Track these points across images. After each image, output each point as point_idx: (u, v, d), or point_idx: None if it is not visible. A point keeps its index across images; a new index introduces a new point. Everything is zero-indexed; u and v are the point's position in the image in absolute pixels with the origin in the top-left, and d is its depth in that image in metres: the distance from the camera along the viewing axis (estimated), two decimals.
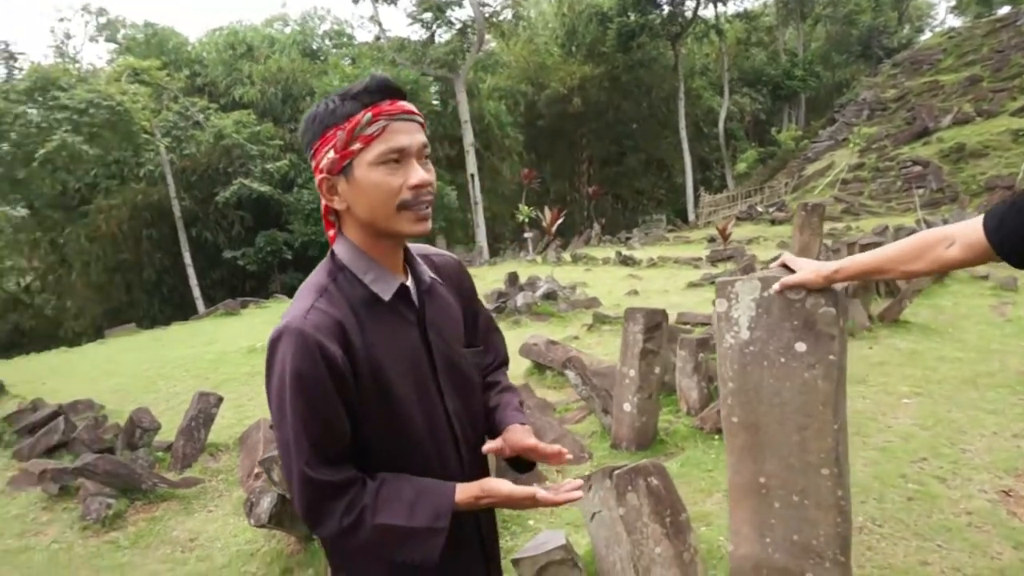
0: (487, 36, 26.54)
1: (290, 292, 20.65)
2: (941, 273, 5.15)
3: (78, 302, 21.97)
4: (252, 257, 21.62)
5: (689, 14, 27.90)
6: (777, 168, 29.88)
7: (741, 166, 30.02)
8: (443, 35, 25.33)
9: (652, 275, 13.50)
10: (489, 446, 1.38)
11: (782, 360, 1.95)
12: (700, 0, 27.65)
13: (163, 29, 25.82)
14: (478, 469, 1.40)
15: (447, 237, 28.19)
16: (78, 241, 20.35)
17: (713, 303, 2.14)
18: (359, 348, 1.21)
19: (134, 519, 4.35)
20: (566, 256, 17.56)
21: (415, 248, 1.41)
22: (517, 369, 7.16)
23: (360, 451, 1.24)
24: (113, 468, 4.39)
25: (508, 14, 25.78)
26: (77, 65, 24.11)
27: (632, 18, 26.45)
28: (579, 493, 1.29)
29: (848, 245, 9.22)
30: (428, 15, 24.40)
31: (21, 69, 19.65)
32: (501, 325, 9.46)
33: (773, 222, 21.62)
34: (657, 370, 4.05)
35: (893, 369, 5.40)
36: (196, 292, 20.88)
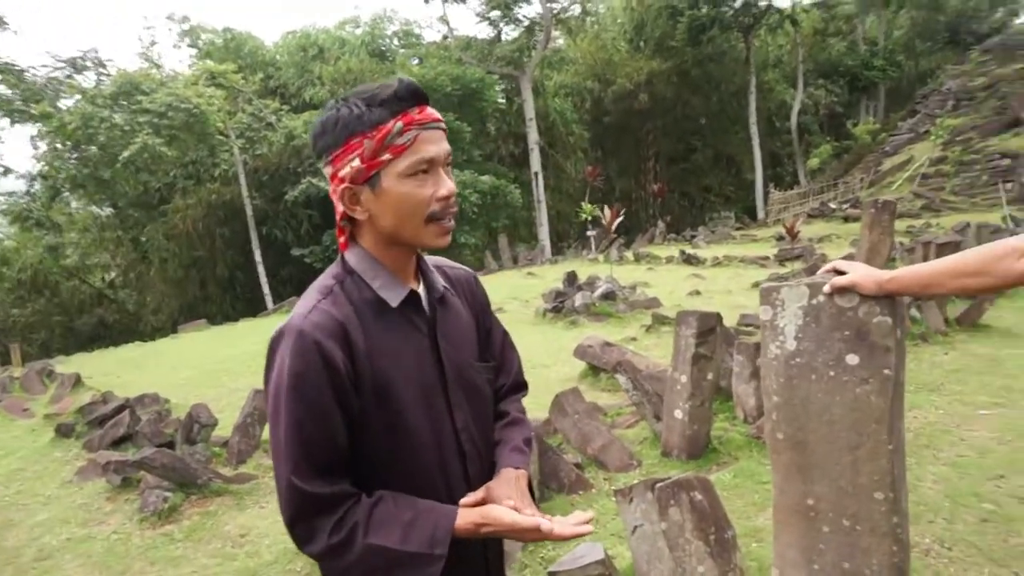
0: (554, 33, 26.41)
1: None
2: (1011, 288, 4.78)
3: (157, 297, 22.98)
4: (319, 255, 22.12)
5: (763, 4, 27.03)
6: (852, 163, 28.67)
7: (814, 161, 28.92)
8: (510, 33, 25.35)
9: (716, 274, 13.13)
10: (468, 499, 1.25)
11: (831, 374, 1.79)
12: None
13: (240, 34, 26.71)
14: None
15: (510, 236, 28.24)
16: (157, 239, 21.27)
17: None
18: (362, 351, 1.16)
19: (189, 513, 4.46)
20: (628, 255, 17.30)
21: (429, 259, 1.37)
22: (572, 371, 7.07)
23: (358, 462, 1.17)
24: (170, 462, 4.51)
25: (576, 10, 25.56)
26: (161, 70, 25.19)
27: (704, 11, 25.82)
28: (588, 527, 1.19)
29: (923, 244, 8.71)
30: (496, 13, 24.44)
31: (109, 75, 20.66)
32: (558, 326, 9.43)
33: (846, 219, 20.75)
34: (710, 376, 3.88)
35: (970, 377, 5.05)
36: (265, 289, 21.51)
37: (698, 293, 11.02)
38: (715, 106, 30.21)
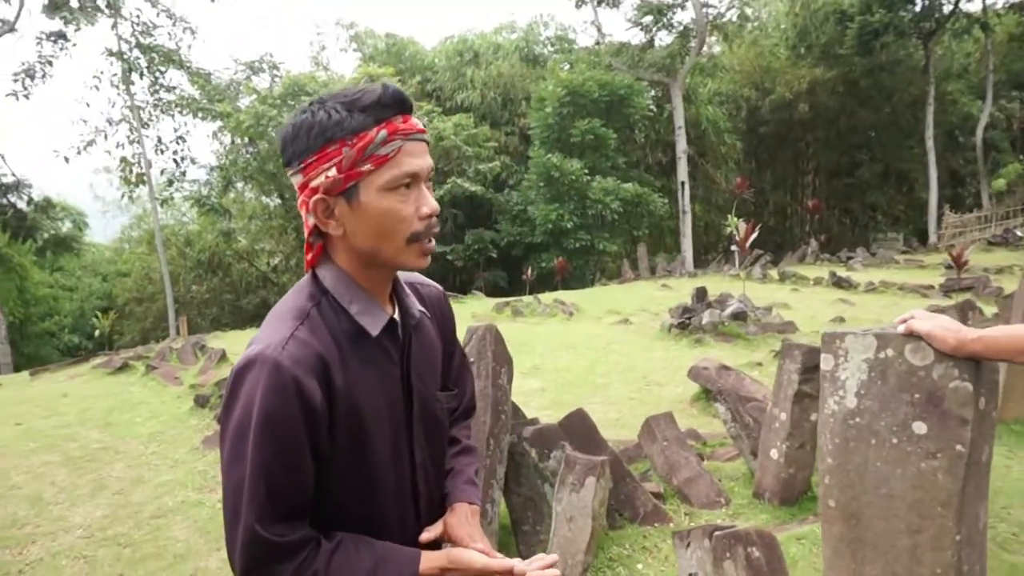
0: (709, 39, 25.55)
1: (492, 290, 21.47)
2: None
3: None
4: (460, 253, 22.77)
5: (947, 8, 24.62)
6: None
7: (1000, 182, 25.88)
8: (663, 39, 24.83)
9: (868, 302, 12.10)
10: (427, 535, 1.20)
11: (894, 441, 1.55)
12: None
13: (402, 39, 28.08)
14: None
15: (654, 245, 27.63)
16: None
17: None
18: (339, 388, 1.06)
19: None
20: (773, 273, 16.36)
21: (403, 275, 1.25)
22: (685, 392, 6.79)
23: (319, 501, 1.10)
24: None
25: (733, 15, 24.58)
26: (328, 73, 27.02)
27: (877, 16, 23.88)
28: (555, 571, 1.11)
29: None
30: (648, 18, 24.03)
31: (281, 77, 22.47)
32: (682, 343, 9.09)
33: None
34: (814, 417, 3.54)
35: None
36: (414, 275, 22.46)
37: (842, 320, 10.20)
38: (886, 118, 27.88)
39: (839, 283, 13.97)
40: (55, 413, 7.62)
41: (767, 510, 3.57)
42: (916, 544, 1.52)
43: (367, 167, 1.04)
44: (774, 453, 3.59)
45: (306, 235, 1.13)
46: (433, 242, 1.13)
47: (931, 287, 13.23)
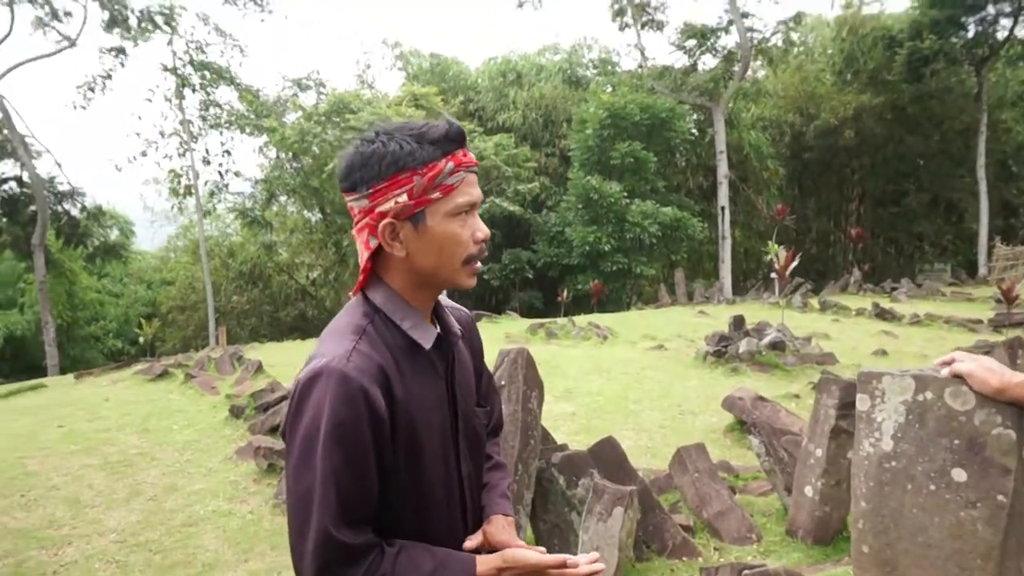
0: (754, 63, 25.37)
1: (527, 311, 21.45)
2: None
3: (347, 298, 24.89)
4: (497, 273, 22.81)
5: (1002, 35, 24.06)
6: None
7: None
8: (706, 63, 24.73)
9: (912, 335, 11.77)
10: (470, 543, 1.26)
11: (932, 487, 1.49)
12: (1018, 18, 23.69)
13: (446, 59, 28.46)
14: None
15: (693, 270, 27.33)
16: (353, 245, 23.08)
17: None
18: (399, 398, 1.14)
19: None
20: (813, 302, 16.03)
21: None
22: (719, 422, 6.68)
23: (383, 508, 1.16)
24: None
25: (778, 40, 24.37)
26: (373, 91, 27.51)
27: (927, 42, 23.44)
28: (601, 566, 1.20)
29: None
30: (692, 42, 23.98)
31: (327, 95, 22.97)
32: (717, 372, 8.96)
33: None
34: (851, 454, 3.43)
35: None
36: (445, 300, 22.59)
37: (884, 353, 9.94)
38: (935, 146, 27.25)
39: (882, 314, 13.62)
40: (96, 417, 7.81)
41: (800, 548, 3.47)
42: None
43: (436, 195, 1.15)
44: (808, 490, 3.50)
45: (364, 256, 1.21)
46: (479, 264, 1.23)
47: (979, 321, 12.81)
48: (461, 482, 1.27)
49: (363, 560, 1.10)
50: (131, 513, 4.94)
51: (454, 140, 1.16)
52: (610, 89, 26.57)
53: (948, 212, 29.39)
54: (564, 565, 1.16)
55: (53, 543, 4.46)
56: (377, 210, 1.16)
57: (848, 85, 26.80)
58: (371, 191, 1.16)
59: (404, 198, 1.14)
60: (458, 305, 1.43)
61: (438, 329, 1.26)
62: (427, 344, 1.20)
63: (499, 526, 1.30)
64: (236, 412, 7.14)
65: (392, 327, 1.19)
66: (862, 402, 1.63)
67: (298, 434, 1.12)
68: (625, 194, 20.82)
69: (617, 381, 8.55)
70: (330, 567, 1.09)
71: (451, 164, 1.14)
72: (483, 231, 1.20)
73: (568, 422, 6.80)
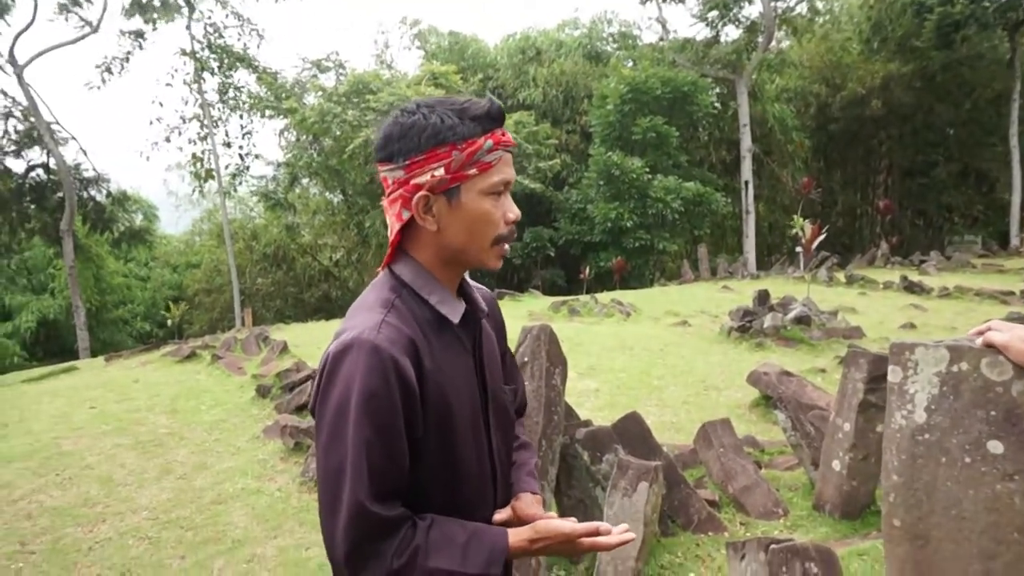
0: (778, 34, 24.84)
1: (549, 289, 21.41)
2: None
3: (370, 278, 25.09)
4: (518, 251, 22.76)
5: None
6: None
7: None
8: (729, 34, 24.26)
9: (941, 307, 11.57)
10: (499, 516, 1.27)
11: (967, 460, 1.46)
12: None
13: (465, 37, 28.24)
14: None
15: (716, 245, 27.05)
16: (376, 225, 23.13)
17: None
18: (429, 371, 1.14)
19: None
20: (840, 276, 15.82)
21: None
22: (744, 398, 6.63)
23: (411, 484, 1.16)
24: None
25: (803, 9, 23.81)
26: (392, 71, 27.40)
27: (958, 7, 22.75)
28: (632, 535, 1.19)
29: None
30: (714, 13, 23.51)
31: (346, 76, 22.94)
32: (741, 347, 8.89)
33: None
34: (880, 428, 3.39)
35: None
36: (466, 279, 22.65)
37: (913, 327, 9.79)
38: (965, 115, 26.57)
39: (911, 287, 13.40)
40: (127, 398, 7.96)
41: (827, 523, 3.44)
42: (989, 571, 1.43)
43: (472, 171, 1.14)
44: (836, 464, 3.46)
45: (395, 227, 1.20)
46: (507, 246, 1.23)
47: (1011, 293, 12.56)
48: (492, 456, 1.27)
49: (396, 533, 1.09)
50: (162, 491, 5.03)
51: (495, 119, 1.16)
52: (631, 64, 26.23)
53: (979, 182, 28.72)
54: (597, 532, 1.15)
55: (88, 520, 4.56)
56: (413, 182, 1.15)
57: (875, 54, 26.15)
58: (408, 162, 1.15)
59: (441, 172, 1.13)
60: (479, 284, 1.43)
61: (464, 305, 1.26)
62: (455, 319, 1.20)
63: (527, 502, 1.31)
64: (262, 392, 7.23)
65: (420, 301, 1.19)
66: (894, 374, 1.59)
67: (328, 407, 1.11)
68: (647, 169, 20.61)
69: (640, 357, 8.51)
70: (363, 542, 1.08)
71: (490, 142, 1.14)
72: (515, 212, 1.20)
73: (592, 398, 6.79)
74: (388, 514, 1.09)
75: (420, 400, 1.12)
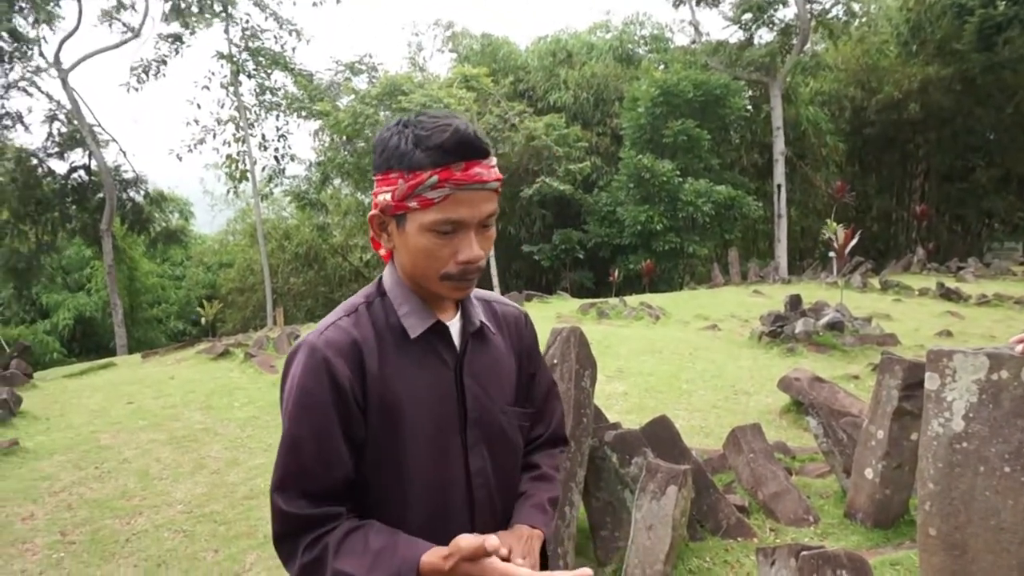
0: (813, 36, 24.50)
1: (578, 291, 21.38)
2: None
3: None
4: (547, 253, 22.76)
5: None
6: None
7: None
8: (763, 36, 23.98)
9: (979, 316, 11.32)
10: (465, 538, 1.09)
11: (1006, 469, 1.44)
12: None
13: (496, 39, 28.30)
14: None
15: (747, 249, 26.74)
16: None
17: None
18: (375, 373, 1.13)
19: None
20: (874, 282, 15.55)
21: (479, 292, 1.32)
22: (775, 403, 6.57)
23: (359, 488, 1.16)
24: None
25: (839, 11, 23.46)
26: (424, 73, 27.57)
27: (1000, 8, 22.27)
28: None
29: None
30: (748, 16, 23.27)
31: (379, 78, 23.17)
32: (772, 352, 8.79)
33: None
34: (914, 436, 3.33)
35: None
36: (495, 281, 22.65)
37: (949, 334, 9.59)
38: (1007, 118, 25.92)
39: (947, 295, 13.12)
40: (162, 394, 8.13)
41: (859, 532, 3.40)
42: None
43: (413, 204, 1.10)
44: (869, 472, 3.41)
45: (371, 237, 1.23)
46: (471, 282, 1.17)
47: None
48: (469, 477, 1.20)
49: (313, 529, 1.10)
50: (196, 486, 5.14)
51: (450, 151, 1.08)
52: (663, 66, 26.06)
53: (1020, 187, 28.00)
54: (484, 550, 1.00)
55: (126, 512, 4.68)
56: (376, 199, 1.16)
57: (914, 56, 25.68)
58: (377, 177, 1.16)
59: (388, 197, 1.12)
60: (509, 302, 1.40)
61: (455, 317, 1.23)
62: (413, 333, 1.17)
63: (513, 535, 1.21)
64: None
65: (391, 310, 1.19)
66: (931, 381, 1.57)
67: (281, 406, 1.18)
68: (678, 172, 20.47)
69: (669, 361, 8.47)
70: (282, 535, 1.12)
71: (435, 178, 1.07)
72: (469, 254, 1.11)
73: (620, 401, 6.78)
74: (304, 511, 1.09)
75: (362, 403, 1.12)
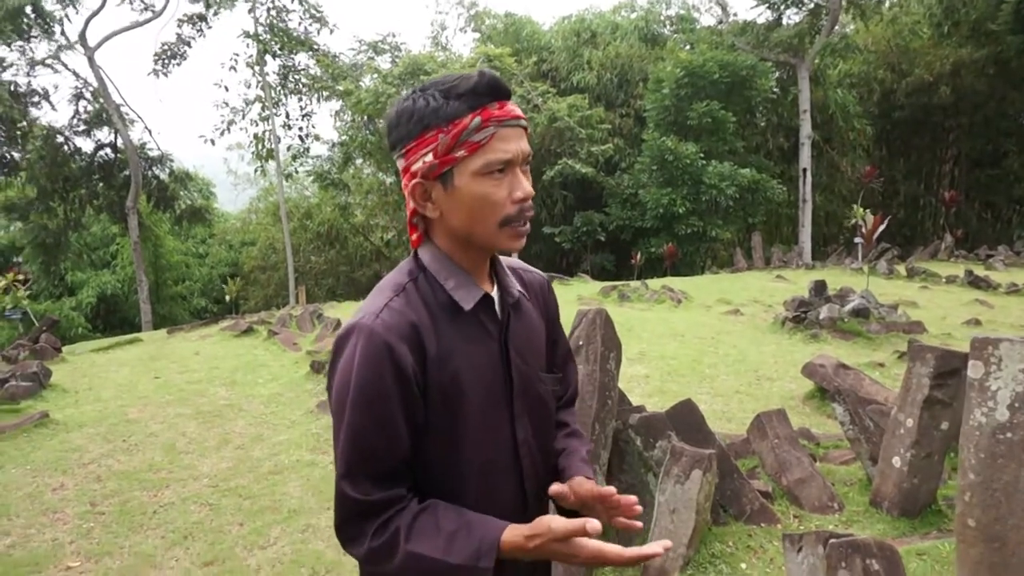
0: (843, 17, 23.99)
1: (599, 274, 21.30)
2: None
3: None
4: (568, 235, 22.66)
5: None
6: None
7: None
8: (791, 17, 23.52)
9: (1008, 304, 11.12)
10: (556, 489, 1.22)
11: None
12: None
13: (520, 19, 28.03)
14: (541, 511, 1.24)
15: (771, 233, 26.42)
16: None
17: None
18: (433, 354, 1.12)
19: None
20: (900, 269, 15.31)
21: (506, 260, 1.31)
22: (798, 389, 6.52)
23: (417, 467, 1.15)
24: None
25: None
26: (447, 53, 27.42)
27: None
28: (659, 548, 1.07)
29: None
30: None
31: (401, 57, 23.11)
32: (796, 338, 8.71)
33: None
34: (944, 426, 3.29)
35: None
36: (515, 261, 22.66)
37: (978, 323, 9.43)
38: None
39: (976, 282, 12.89)
40: (188, 369, 8.24)
41: (885, 520, 3.37)
42: None
43: (461, 153, 1.09)
44: (896, 461, 3.37)
45: (408, 217, 1.20)
46: (527, 225, 1.17)
47: None
48: (516, 447, 1.22)
49: (381, 513, 1.09)
50: (222, 460, 5.21)
51: (484, 93, 1.09)
52: (688, 47, 25.68)
53: None
54: (584, 531, 1.03)
55: (153, 485, 4.76)
56: (410, 170, 1.13)
57: (946, 38, 25.08)
58: (404, 151, 1.14)
59: (430, 157, 1.10)
60: (533, 268, 1.39)
61: (495, 289, 1.24)
62: (467, 305, 1.16)
63: (583, 483, 1.25)
64: (317, 368, 7.39)
65: (436, 286, 1.17)
66: (974, 369, 1.54)
67: (332, 391, 1.15)
68: (701, 155, 20.23)
69: (691, 345, 8.42)
70: (347, 521, 1.11)
71: (477, 119, 1.07)
72: (523, 190, 1.13)
73: (642, 384, 6.76)
74: (369, 498, 1.09)
75: (423, 385, 1.11)
